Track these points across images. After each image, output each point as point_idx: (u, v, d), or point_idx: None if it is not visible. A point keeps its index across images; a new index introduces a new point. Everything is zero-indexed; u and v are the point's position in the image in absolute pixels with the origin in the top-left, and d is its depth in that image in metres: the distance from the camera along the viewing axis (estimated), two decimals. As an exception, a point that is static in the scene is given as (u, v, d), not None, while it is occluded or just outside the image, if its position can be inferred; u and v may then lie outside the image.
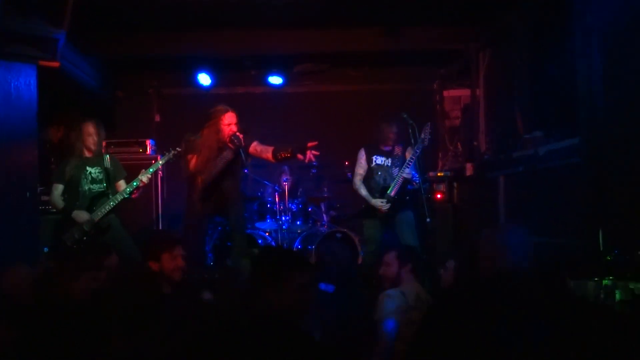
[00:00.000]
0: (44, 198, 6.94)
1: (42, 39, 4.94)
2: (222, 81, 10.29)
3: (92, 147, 6.37)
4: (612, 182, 5.19)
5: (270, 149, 6.47)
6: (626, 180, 5.04)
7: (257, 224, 8.78)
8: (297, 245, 8.37)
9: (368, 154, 7.02)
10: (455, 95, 10.50)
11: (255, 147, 6.52)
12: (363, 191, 6.93)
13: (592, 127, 5.46)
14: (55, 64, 5.54)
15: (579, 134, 5.77)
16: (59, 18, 4.93)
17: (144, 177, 6.29)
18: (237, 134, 6.31)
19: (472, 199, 8.74)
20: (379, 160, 6.97)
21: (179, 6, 7.74)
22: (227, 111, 6.43)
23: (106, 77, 9.70)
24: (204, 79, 10.03)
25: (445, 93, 10.56)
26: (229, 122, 6.40)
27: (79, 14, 5.67)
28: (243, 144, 6.29)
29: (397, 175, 6.75)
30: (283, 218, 8.62)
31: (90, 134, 6.33)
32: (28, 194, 5.93)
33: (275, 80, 10.19)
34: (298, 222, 8.82)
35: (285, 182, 8.67)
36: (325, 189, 9.16)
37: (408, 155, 6.81)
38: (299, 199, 8.93)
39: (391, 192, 6.73)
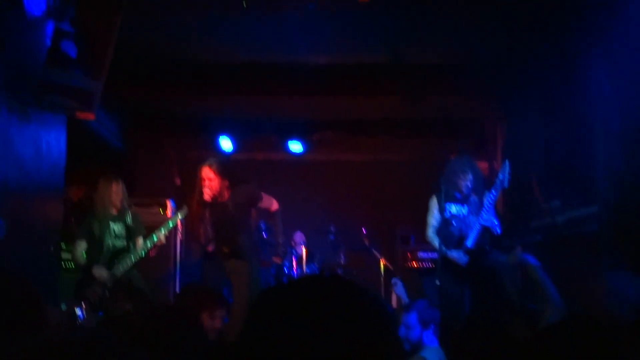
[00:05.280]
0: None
1: (79, 90, 5.01)
2: (243, 146, 10.34)
3: (118, 204, 6.47)
4: (629, 249, 5.19)
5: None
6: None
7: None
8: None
9: (440, 203, 6.24)
10: (473, 167, 10.54)
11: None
12: (437, 243, 6.12)
13: (612, 196, 5.50)
14: (92, 116, 5.63)
15: (597, 202, 5.81)
16: (97, 69, 5.01)
17: (162, 235, 6.36)
18: None
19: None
20: (453, 209, 6.22)
21: (206, 68, 7.94)
22: (202, 166, 6.51)
23: (128, 136, 9.80)
24: (226, 144, 9.82)
25: (463, 165, 10.61)
26: (202, 177, 6.47)
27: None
28: None
29: (474, 224, 6.02)
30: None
31: (117, 191, 6.45)
32: (51, 248, 5.99)
33: (295, 147, 10.08)
34: (314, 288, 8.72)
35: (302, 244, 8.66)
36: (342, 256, 9.14)
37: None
38: (315, 264, 8.89)
39: (469, 243, 6.00)
